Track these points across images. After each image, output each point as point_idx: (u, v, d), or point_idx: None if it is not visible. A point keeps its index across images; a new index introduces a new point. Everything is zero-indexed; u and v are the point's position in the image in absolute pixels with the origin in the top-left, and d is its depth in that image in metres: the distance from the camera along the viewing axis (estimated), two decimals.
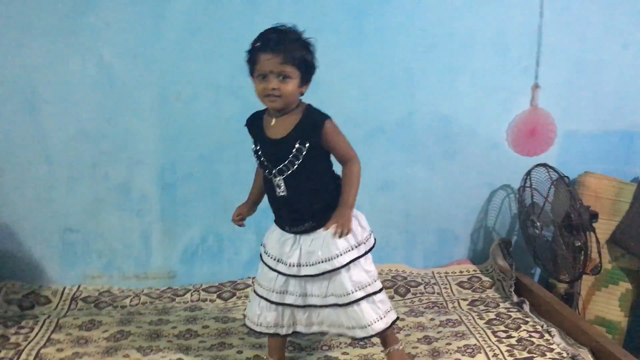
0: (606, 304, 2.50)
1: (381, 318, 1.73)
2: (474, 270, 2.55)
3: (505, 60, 2.52)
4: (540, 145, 2.58)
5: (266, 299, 1.76)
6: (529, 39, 2.50)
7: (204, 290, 2.43)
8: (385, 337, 1.80)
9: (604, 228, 2.44)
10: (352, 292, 1.69)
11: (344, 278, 1.68)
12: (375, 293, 1.72)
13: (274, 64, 1.59)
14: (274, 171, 1.67)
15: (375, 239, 1.77)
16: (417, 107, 2.50)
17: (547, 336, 2.02)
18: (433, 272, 2.55)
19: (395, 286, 2.44)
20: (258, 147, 1.71)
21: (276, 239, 1.74)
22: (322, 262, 1.67)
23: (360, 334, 1.73)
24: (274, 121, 1.67)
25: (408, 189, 2.56)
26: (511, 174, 2.58)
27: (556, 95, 2.55)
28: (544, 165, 2.39)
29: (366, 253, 1.73)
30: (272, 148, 1.67)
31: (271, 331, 1.79)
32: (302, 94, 1.68)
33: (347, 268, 1.68)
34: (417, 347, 1.96)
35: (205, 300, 2.38)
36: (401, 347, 1.83)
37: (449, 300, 2.37)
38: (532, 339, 2.01)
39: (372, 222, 1.79)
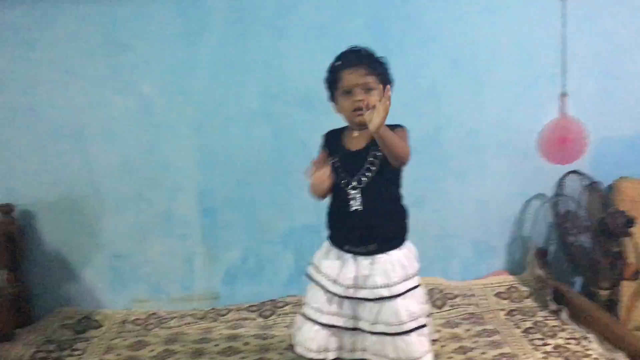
0: None
1: (429, 352, 1.70)
2: (512, 281, 2.55)
3: (530, 70, 2.54)
4: (572, 153, 2.56)
5: (318, 322, 1.73)
6: (553, 48, 2.50)
7: (245, 309, 2.51)
8: None
9: None
10: (406, 322, 1.66)
11: (400, 306, 1.66)
12: (424, 326, 1.71)
13: (357, 77, 1.67)
14: (352, 183, 1.69)
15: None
16: (444, 122, 2.55)
17: (584, 342, 2.01)
18: (470, 284, 2.56)
19: (432, 299, 2.46)
20: (337, 160, 1.73)
21: (333, 259, 1.73)
22: (380, 287, 1.66)
23: None
24: (356, 133, 1.72)
25: (441, 203, 2.59)
26: (544, 183, 2.58)
27: (586, 103, 2.54)
28: (576, 172, 2.39)
29: (419, 285, 1.73)
30: (351, 159, 1.71)
31: (321, 356, 1.74)
32: None
33: (404, 297, 1.67)
34: (452, 358, 1.98)
35: (247, 318, 2.46)
36: None
37: (486, 310, 2.38)
38: (568, 346, 2.00)
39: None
